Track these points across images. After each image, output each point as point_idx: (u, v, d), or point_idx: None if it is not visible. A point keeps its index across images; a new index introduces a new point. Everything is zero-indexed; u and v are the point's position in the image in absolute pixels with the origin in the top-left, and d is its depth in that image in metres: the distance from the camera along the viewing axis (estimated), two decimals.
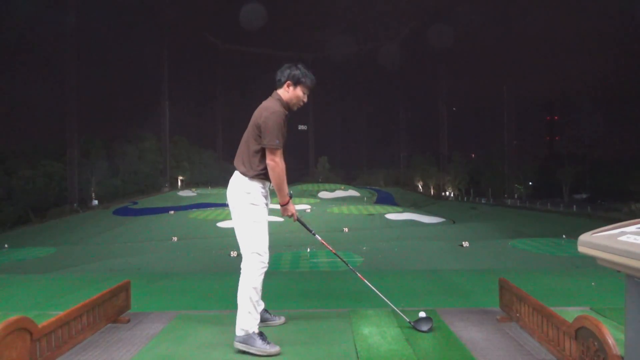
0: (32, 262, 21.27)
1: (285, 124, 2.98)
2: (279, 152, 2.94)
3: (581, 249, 1.40)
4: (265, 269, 2.95)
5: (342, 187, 65.77)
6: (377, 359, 2.61)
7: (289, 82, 3.04)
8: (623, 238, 1.23)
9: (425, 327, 3.04)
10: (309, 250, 20.46)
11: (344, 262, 3.57)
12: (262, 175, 2.97)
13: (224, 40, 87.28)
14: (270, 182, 3.02)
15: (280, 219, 32.00)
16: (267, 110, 2.92)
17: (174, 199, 54.17)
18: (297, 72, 3.05)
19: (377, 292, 3.31)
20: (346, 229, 28.23)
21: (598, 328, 2.11)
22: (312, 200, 48.02)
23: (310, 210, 38.05)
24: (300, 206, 40.10)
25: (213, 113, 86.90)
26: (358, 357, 2.63)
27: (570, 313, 3.03)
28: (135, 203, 51.42)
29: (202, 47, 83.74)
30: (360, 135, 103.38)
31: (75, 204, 50.18)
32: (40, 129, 57.15)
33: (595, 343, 2.15)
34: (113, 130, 61.24)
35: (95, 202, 52.59)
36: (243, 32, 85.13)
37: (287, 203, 3.13)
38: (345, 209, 40.21)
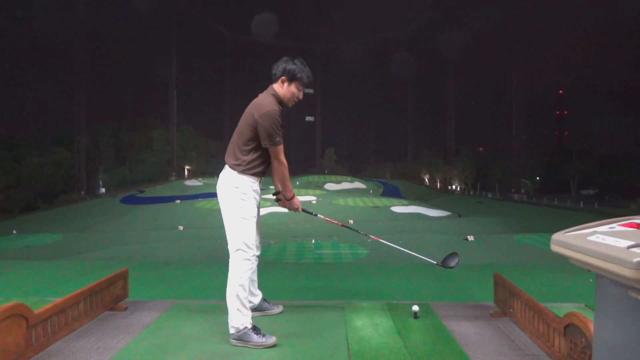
0: (40, 248, 21.48)
1: (281, 119, 2.91)
2: (281, 149, 2.92)
3: (554, 248, 1.41)
4: (254, 266, 2.92)
5: (349, 179, 65.57)
6: (368, 351, 2.64)
7: (283, 77, 2.94)
8: (592, 238, 1.23)
9: (452, 263, 3.13)
10: (313, 241, 20.49)
11: (355, 230, 3.65)
12: (252, 170, 2.93)
13: (232, 30, 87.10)
14: (263, 178, 3.02)
15: (286, 210, 31.87)
16: (262, 109, 2.85)
17: (180, 188, 54.38)
18: (292, 67, 2.94)
19: (400, 247, 3.33)
20: (351, 221, 28.20)
21: (586, 325, 2.12)
22: (318, 192, 47.97)
23: (316, 202, 38.05)
24: (306, 197, 40.15)
25: (220, 103, 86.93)
26: (349, 349, 2.66)
27: (564, 309, 3.03)
28: (142, 192, 51.67)
29: (210, 37, 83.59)
30: (368, 127, 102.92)
31: (82, 192, 50.65)
32: (49, 117, 57.38)
33: (583, 340, 2.16)
34: (121, 119, 61.25)
35: (103, 190, 53.03)
36: (252, 22, 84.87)
37: (293, 197, 3.14)
38: (351, 201, 40.16)
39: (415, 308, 3.15)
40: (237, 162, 2.93)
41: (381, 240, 3.56)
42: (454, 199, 54.06)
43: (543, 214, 36.76)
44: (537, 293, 3.06)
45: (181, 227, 27.11)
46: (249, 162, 2.92)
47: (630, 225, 1.30)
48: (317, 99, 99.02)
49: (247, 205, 2.90)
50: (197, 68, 78.72)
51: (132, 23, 64.22)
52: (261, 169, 2.97)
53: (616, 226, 1.33)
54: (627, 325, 1.13)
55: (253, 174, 2.94)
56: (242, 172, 2.91)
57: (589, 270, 1.24)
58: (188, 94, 74.65)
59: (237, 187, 2.90)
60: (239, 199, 2.89)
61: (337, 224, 3.59)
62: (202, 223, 29.34)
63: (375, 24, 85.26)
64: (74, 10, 56.23)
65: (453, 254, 3.15)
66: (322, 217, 3.47)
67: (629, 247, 1.09)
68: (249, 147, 2.92)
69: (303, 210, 3.27)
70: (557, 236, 1.40)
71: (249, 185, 2.93)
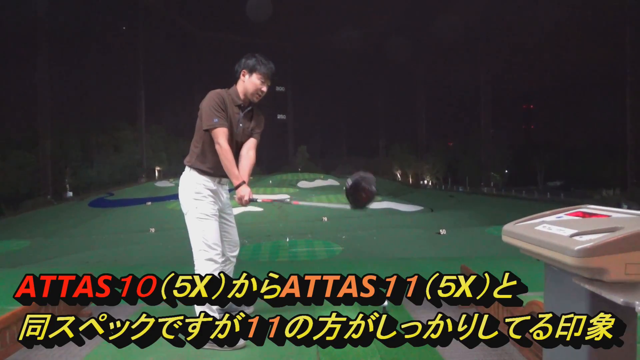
0: (6, 255, 20.76)
1: (229, 105, 2.88)
2: (222, 132, 2.81)
3: (504, 238, 1.44)
4: (218, 266, 2.87)
5: (322, 177, 65.55)
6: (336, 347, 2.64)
7: (244, 71, 2.99)
8: (540, 227, 1.27)
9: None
10: (288, 239, 20.47)
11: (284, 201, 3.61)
12: (205, 167, 2.89)
13: (201, 27, 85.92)
14: (223, 177, 2.98)
15: (259, 209, 31.93)
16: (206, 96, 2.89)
17: (151, 190, 53.39)
18: (251, 60, 3.00)
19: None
20: (325, 218, 28.28)
21: None
22: (291, 190, 47.84)
23: (290, 200, 37.97)
24: (280, 196, 40.04)
25: (191, 102, 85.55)
26: (317, 346, 2.66)
27: (528, 298, 3.10)
28: (112, 194, 50.49)
29: (178, 34, 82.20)
30: (340, 124, 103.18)
31: (49, 196, 49.09)
32: (11, 119, 55.27)
33: None
34: (87, 120, 59.46)
35: (70, 193, 51.53)
36: (221, 19, 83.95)
37: (240, 185, 3.02)
38: (324, 198, 40.25)
39: (385, 303, 3.17)
40: (190, 160, 2.94)
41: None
42: (426, 193, 54.83)
43: (512, 206, 37.63)
44: None
45: (153, 229, 26.70)
46: (201, 159, 2.89)
47: (576, 214, 1.34)
48: (289, 96, 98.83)
49: (203, 205, 2.87)
50: (165, 66, 77.26)
51: (98, 21, 62.59)
52: (212, 164, 2.92)
53: (563, 215, 1.37)
54: (573, 311, 1.16)
55: (207, 172, 2.90)
56: (194, 169, 2.89)
57: (537, 260, 1.27)
58: (157, 93, 73.20)
59: (191, 187, 2.89)
60: (192, 199, 2.88)
61: (269, 200, 3.55)
62: (174, 224, 28.88)
63: (346, 22, 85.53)
64: (34, 6, 54.16)
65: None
66: (261, 199, 3.35)
67: (572, 235, 1.12)
68: (199, 144, 2.94)
69: (252, 200, 3.20)
70: (508, 227, 1.44)
71: (203, 184, 2.90)
